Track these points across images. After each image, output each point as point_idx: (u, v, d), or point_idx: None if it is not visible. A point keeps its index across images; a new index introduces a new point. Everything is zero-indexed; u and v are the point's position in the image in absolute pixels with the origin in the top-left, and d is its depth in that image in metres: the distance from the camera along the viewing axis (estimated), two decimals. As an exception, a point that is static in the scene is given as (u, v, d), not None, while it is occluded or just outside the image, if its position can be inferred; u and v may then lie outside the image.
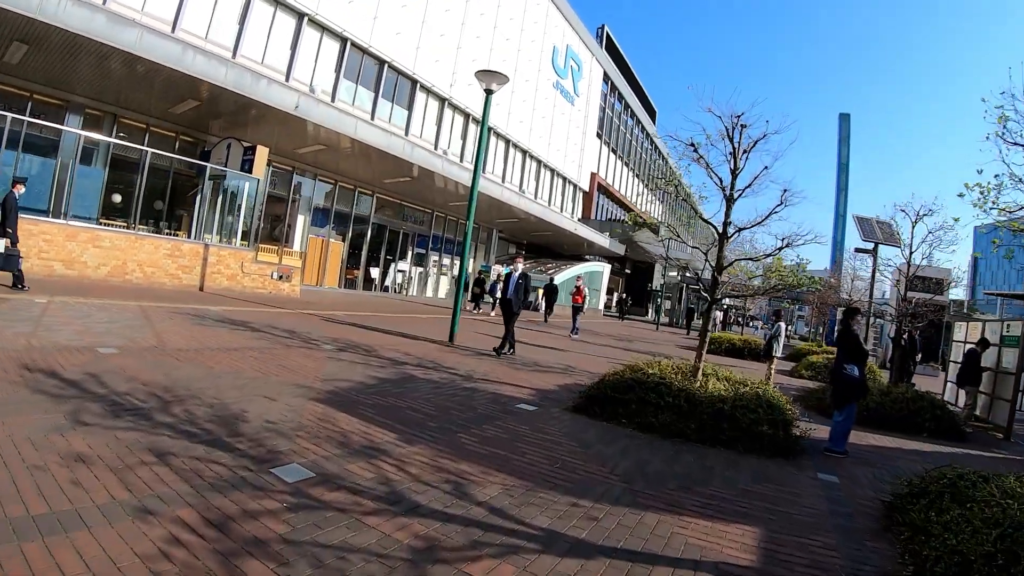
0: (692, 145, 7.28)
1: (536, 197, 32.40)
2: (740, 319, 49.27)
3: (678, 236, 7.37)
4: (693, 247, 7.36)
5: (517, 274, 10.17)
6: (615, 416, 6.23)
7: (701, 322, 7.34)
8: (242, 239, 16.22)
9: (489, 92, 11.18)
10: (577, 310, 18.81)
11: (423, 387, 6.46)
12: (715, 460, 5.25)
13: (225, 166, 16.65)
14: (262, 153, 15.90)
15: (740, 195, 7.30)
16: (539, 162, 34.27)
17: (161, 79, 13.76)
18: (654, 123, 57.70)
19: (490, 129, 28.98)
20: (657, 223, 35.07)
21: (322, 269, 22.15)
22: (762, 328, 47.57)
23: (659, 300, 39.29)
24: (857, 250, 12.96)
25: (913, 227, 11.21)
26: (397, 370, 7.22)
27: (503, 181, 29.01)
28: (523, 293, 10.12)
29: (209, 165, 15.96)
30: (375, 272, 24.88)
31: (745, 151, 7.26)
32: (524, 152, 32.54)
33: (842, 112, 45.57)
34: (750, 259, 7.23)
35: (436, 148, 23.94)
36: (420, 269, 27.71)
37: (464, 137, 27.32)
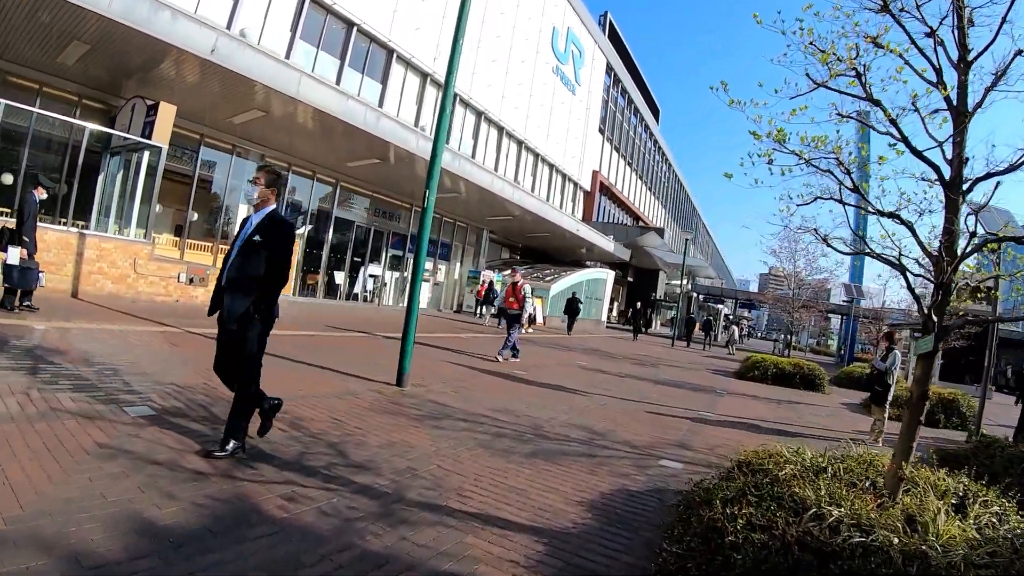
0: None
1: (533, 192, 28.44)
2: (752, 332, 45.39)
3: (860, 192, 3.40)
4: (887, 214, 3.40)
5: (258, 219, 3.91)
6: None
7: (916, 372, 3.30)
8: (138, 227, 12.16)
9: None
10: (514, 319, 11.67)
11: (260, 558, 2.44)
12: None
13: (128, 130, 12.69)
14: (167, 112, 11.91)
15: (979, 105, 3.45)
16: (536, 155, 30.37)
17: (25, 10, 9.95)
18: (657, 123, 54.11)
19: (481, 114, 25.19)
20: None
21: (272, 272, 18.06)
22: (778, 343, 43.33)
23: (676, 312, 35.06)
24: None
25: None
26: (230, 488, 3.18)
27: (495, 172, 25.02)
28: (271, 270, 3.88)
29: (89, 127, 11.96)
30: (340, 277, 20.82)
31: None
32: (520, 143, 28.65)
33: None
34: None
35: (416, 126, 19.95)
36: (396, 274, 23.63)
37: (450, 121, 23.36)
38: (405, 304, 23.14)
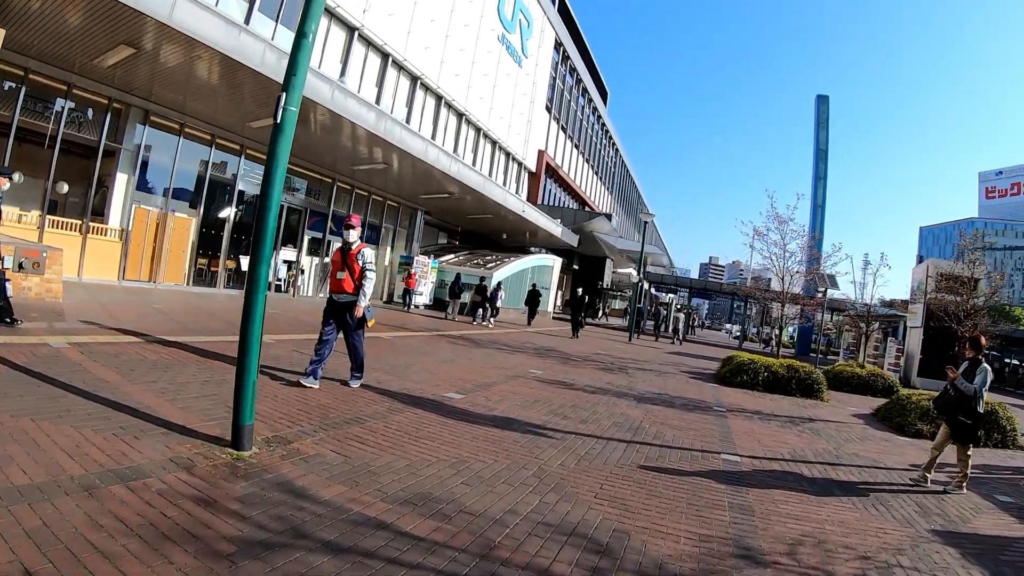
0: None
1: (475, 168, 25.60)
2: (703, 322, 44.11)
3: None
4: None
5: None
6: None
7: None
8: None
9: None
10: (347, 310, 6.15)
11: None
12: None
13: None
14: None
15: None
16: (478, 130, 27.60)
17: None
18: (606, 105, 52.11)
19: (416, 79, 22.19)
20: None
21: (157, 257, 14.65)
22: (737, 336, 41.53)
23: (631, 303, 32.60)
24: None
25: None
26: None
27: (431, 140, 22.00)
28: None
29: None
30: (247, 263, 17.49)
31: None
32: (460, 115, 25.79)
33: (820, 94, 41.26)
34: None
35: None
36: (316, 259, 20.38)
37: (380, 85, 20.28)
38: (325, 294, 18.91)
